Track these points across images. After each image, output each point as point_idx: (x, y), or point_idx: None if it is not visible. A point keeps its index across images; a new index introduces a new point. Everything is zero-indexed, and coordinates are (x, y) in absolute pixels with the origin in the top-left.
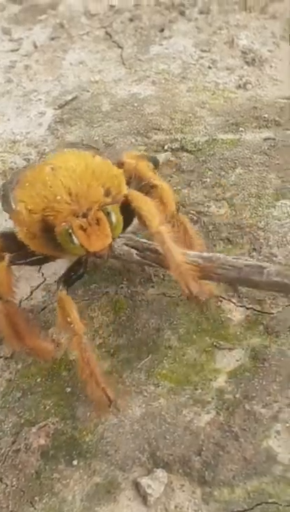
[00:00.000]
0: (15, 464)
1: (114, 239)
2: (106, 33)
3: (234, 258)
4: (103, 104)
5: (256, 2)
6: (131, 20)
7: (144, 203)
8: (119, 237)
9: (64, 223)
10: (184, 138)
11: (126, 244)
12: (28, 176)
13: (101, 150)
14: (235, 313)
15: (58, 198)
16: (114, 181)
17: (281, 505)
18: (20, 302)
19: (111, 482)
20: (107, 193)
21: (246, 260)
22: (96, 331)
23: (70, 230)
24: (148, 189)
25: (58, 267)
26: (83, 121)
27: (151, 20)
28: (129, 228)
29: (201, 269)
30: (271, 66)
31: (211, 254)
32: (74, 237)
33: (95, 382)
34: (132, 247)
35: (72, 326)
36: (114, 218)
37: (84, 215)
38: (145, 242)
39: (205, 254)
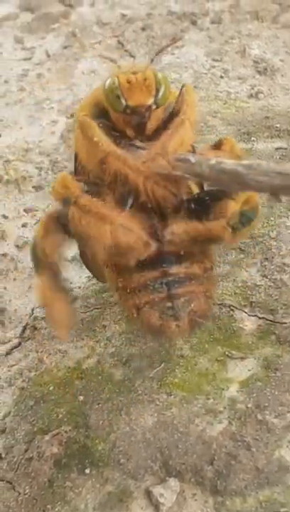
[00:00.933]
0: (28, 472)
1: (158, 106)
2: (119, 42)
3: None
4: None
5: (267, 12)
6: (143, 29)
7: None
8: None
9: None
10: (196, 147)
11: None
12: None
13: None
14: (247, 323)
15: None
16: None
17: None
18: (32, 310)
19: (124, 491)
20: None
21: None
22: (108, 339)
23: (117, 82)
24: None
25: (70, 275)
26: None
27: (163, 30)
28: None
29: (241, 177)
30: (282, 75)
31: (252, 161)
32: (119, 90)
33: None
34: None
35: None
36: (162, 88)
37: (134, 73)
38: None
39: (244, 162)
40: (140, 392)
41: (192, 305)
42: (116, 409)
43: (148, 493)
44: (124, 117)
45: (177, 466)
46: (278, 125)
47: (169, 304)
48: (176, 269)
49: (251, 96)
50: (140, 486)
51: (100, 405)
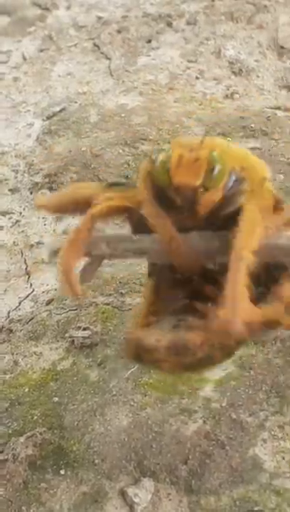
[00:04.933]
0: (3, 474)
1: (206, 189)
2: (94, 44)
3: None
4: (91, 115)
5: (242, 13)
6: (118, 31)
7: (251, 220)
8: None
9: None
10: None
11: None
12: None
13: (90, 160)
14: None
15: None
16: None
17: None
18: (8, 313)
19: (98, 491)
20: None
21: None
22: (83, 340)
23: (169, 156)
24: None
25: (46, 277)
26: (71, 132)
27: (139, 32)
28: None
29: None
30: (257, 76)
31: None
32: (168, 165)
33: None
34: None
35: None
36: (216, 170)
37: (191, 150)
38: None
39: None
40: (115, 392)
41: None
42: (91, 410)
43: (123, 493)
44: (171, 194)
45: (151, 466)
46: (253, 125)
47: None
48: None
49: (226, 96)
50: (114, 487)
51: (75, 406)
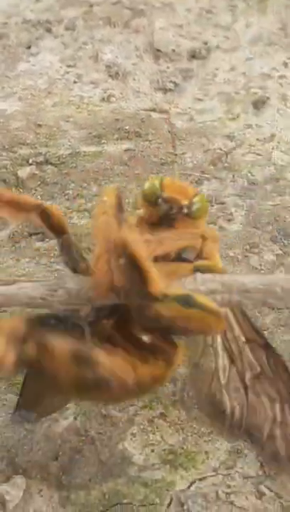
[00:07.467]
0: None
1: (189, 215)
2: None
3: None
4: None
5: (119, 17)
6: None
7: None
8: None
9: None
10: (48, 151)
11: None
12: None
13: None
14: None
15: None
16: None
17: (135, 505)
18: None
19: None
20: None
21: None
22: None
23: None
24: None
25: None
26: None
27: (18, 38)
28: None
29: None
30: (134, 79)
31: None
32: (159, 184)
33: None
34: None
35: None
36: (201, 205)
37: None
38: None
39: None
40: None
41: None
42: None
43: None
44: (154, 209)
45: (23, 464)
46: (127, 127)
47: None
48: None
49: (103, 100)
50: None
51: None
